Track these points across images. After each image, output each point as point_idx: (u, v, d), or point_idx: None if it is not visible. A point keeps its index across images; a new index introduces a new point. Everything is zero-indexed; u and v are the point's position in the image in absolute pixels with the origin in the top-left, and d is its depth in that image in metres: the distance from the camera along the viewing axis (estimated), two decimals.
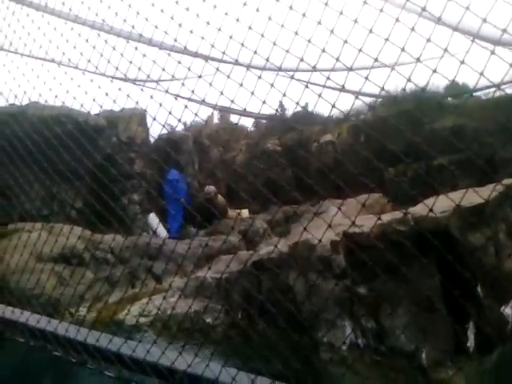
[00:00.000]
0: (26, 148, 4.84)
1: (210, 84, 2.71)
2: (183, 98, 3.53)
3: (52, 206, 9.29)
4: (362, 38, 2.36)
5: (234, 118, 13.72)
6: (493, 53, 2.06)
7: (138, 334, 5.36)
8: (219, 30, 2.80)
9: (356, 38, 2.39)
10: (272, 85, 2.46)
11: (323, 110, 11.31)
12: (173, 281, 6.70)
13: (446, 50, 2.22)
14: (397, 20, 2.22)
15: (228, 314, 6.87)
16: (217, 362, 1.96)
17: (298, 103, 2.72)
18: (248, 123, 13.97)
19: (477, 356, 5.57)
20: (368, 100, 10.07)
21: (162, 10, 2.97)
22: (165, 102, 3.24)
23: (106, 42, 3.55)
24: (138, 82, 3.96)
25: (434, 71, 2.18)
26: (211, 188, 11.30)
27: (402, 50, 2.20)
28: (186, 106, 2.88)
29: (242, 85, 2.55)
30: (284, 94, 2.51)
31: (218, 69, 2.78)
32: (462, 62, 2.15)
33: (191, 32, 2.84)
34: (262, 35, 2.58)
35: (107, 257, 7.41)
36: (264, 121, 13.14)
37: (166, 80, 3.84)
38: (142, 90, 3.49)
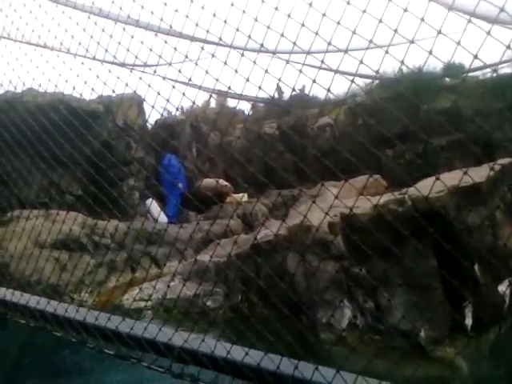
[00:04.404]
0: (22, 135, 4.84)
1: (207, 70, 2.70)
2: (180, 82, 3.52)
3: (51, 193, 9.30)
4: (357, 19, 2.35)
5: (231, 103, 13.71)
6: (489, 33, 2.04)
7: (138, 317, 5.40)
8: (214, 15, 2.79)
9: (350, 19, 2.38)
10: (267, 70, 2.46)
11: (320, 92, 11.24)
12: (173, 265, 6.78)
13: (439, 31, 2.19)
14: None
15: (228, 297, 6.94)
16: (212, 337, 2.02)
17: (294, 87, 2.71)
18: (245, 107, 13.94)
19: (474, 334, 5.65)
20: (365, 82, 10.05)
21: None
22: (161, 87, 3.23)
23: (101, 27, 3.51)
24: (134, 68, 3.94)
25: (430, 53, 2.15)
26: (226, 184, 11.37)
27: (395, 31, 2.18)
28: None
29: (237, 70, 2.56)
30: (280, 79, 2.50)
31: (213, 54, 2.77)
32: (458, 43, 2.12)
33: (187, 17, 2.82)
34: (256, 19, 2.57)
35: (107, 242, 7.45)
36: (261, 105, 13.11)
37: (162, 65, 3.82)
38: (144, 74, 3.48)
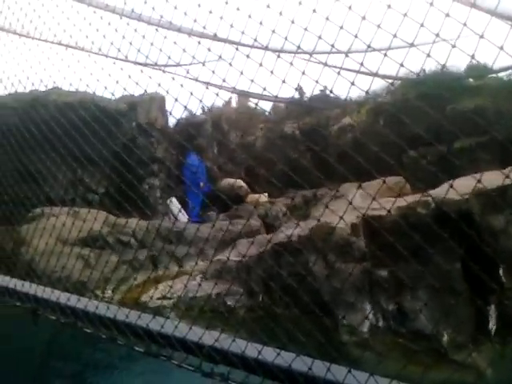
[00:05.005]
0: (49, 133, 4.90)
1: (234, 67, 2.71)
2: (202, 82, 3.53)
3: (76, 191, 9.44)
4: (379, 17, 2.33)
5: (252, 102, 13.70)
6: None
7: (160, 314, 5.45)
8: (237, 9, 2.80)
9: (372, 17, 2.35)
10: (298, 67, 2.46)
11: (341, 92, 11.17)
12: (195, 264, 6.81)
13: (481, 35, 2.14)
14: None
15: (249, 296, 6.96)
16: (242, 338, 2.02)
17: (321, 84, 2.69)
18: (266, 107, 13.91)
19: (498, 339, 5.57)
20: (388, 82, 9.94)
21: None
22: (183, 87, 3.24)
23: (127, 26, 3.55)
24: (157, 67, 3.97)
25: (471, 54, 2.10)
26: (242, 185, 11.40)
27: (437, 35, 2.14)
28: (214, 90, 2.89)
29: (265, 67, 2.56)
30: (310, 76, 2.49)
31: (238, 49, 2.78)
32: (501, 48, 2.06)
33: (210, 13, 2.84)
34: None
35: (130, 241, 7.53)
36: (282, 104, 13.09)
37: (184, 64, 3.84)
38: (166, 74, 3.51)
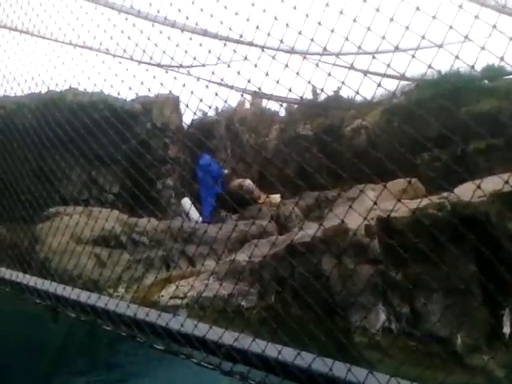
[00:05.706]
0: (65, 133, 4.95)
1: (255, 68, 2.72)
2: (215, 83, 3.54)
3: (91, 190, 9.54)
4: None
5: (266, 104, 13.72)
6: None
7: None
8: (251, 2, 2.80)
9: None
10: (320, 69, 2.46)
11: (355, 93, 11.14)
12: (208, 264, 6.85)
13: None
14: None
15: (261, 297, 6.97)
16: (262, 338, 2.04)
17: (340, 85, 2.69)
18: (280, 108, 13.92)
19: None
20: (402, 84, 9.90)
21: None
22: (197, 88, 3.25)
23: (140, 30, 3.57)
24: (171, 68, 4.00)
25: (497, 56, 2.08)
26: (253, 185, 11.41)
27: (466, 37, 2.12)
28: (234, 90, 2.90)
29: (284, 68, 2.57)
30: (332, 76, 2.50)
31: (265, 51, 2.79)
32: None
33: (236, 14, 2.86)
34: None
35: (143, 240, 7.59)
36: (296, 106, 13.07)
37: (198, 66, 3.85)
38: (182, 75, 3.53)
